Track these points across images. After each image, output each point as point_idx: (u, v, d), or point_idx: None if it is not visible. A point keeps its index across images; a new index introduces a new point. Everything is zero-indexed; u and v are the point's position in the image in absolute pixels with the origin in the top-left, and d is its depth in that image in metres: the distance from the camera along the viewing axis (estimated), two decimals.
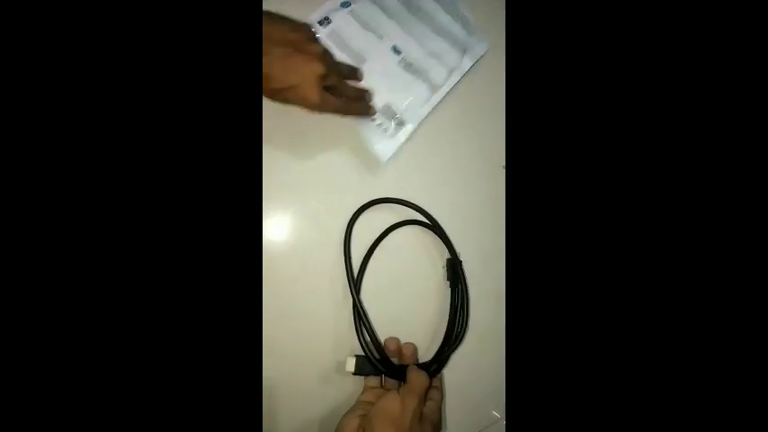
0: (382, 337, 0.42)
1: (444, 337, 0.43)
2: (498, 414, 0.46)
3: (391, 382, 0.41)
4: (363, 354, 0.40)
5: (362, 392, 0.40)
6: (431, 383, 0.39)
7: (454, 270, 0.43)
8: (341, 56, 0.42)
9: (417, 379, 0.38)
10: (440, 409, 0.40)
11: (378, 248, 0.43)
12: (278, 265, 0.41)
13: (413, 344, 0.42)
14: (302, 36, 0.36)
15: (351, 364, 0.40)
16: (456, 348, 0.42)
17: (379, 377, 0.41)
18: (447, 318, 0.43)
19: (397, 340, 0.42)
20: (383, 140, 0.42)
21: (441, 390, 0.41)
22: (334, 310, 0.42)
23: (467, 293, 0.43)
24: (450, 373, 0.44)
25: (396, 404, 0.36)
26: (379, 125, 0.42)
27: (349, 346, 0.41)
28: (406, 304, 0.44)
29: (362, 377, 0.41)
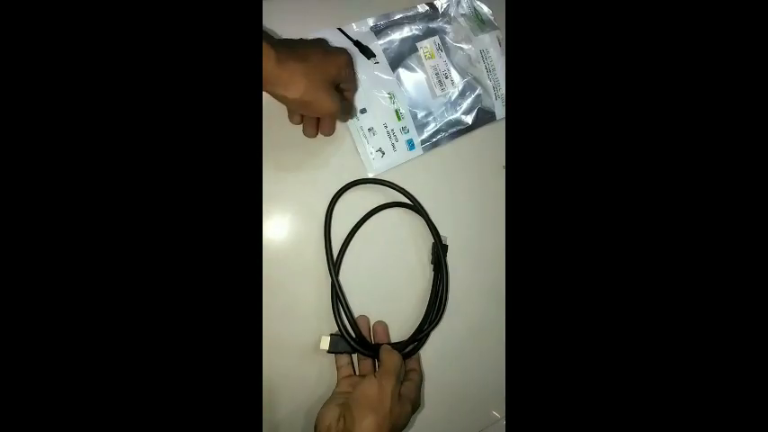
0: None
1: (423, 318, 0.43)
2: (498, 414, 0.46)
3: (365, 366, 0.41)
4: (339, 333, 0.40)
5: (337, 384, 0.40)
6: (406, 364, 0.40)
7: (438, 254, 0.43)
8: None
9: (390, 359, 0.38)
10: (418, 388, 0.40)
11: (365, 231, 0.43)
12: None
13: (383, 323, 0.43)
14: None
15: (325, 343, 0.40)
16: (434, 327, 0.42)
17: (351, 366, 0.41)
18: (428, 300, 0.44)
19: (368, 319, 0.42)
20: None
21: (419, 371, 0.42)
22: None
23: (447, 277, 0.43)
24: (451, 373, 0.44)
25: (373, 388, 0.36)
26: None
27: (333, 329, 0.41)
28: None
29: (337, 363, 0.41)
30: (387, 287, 0.44)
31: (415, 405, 0.39)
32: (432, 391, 0.43)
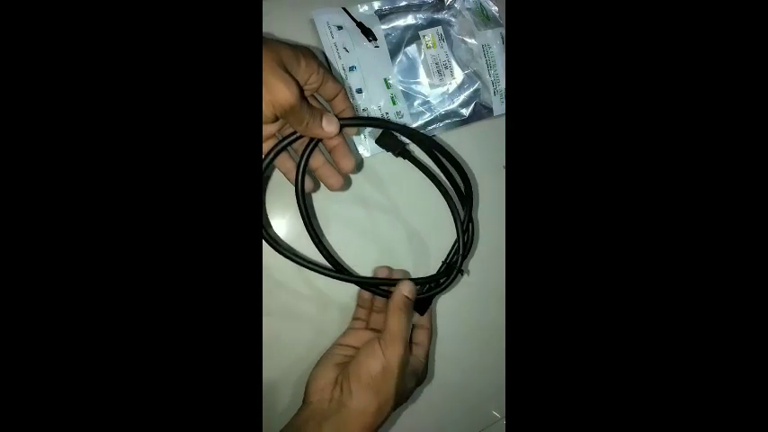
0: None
1: (450, 251, 0.40)
2: (498, 414, 0.46)
3: (378, 322, 0.36)
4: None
5: (342, 334, 0.35)
6: (415, 320, 0.35)
7: (390, 140, 0.40)
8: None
9: (396, 321, 0.32)
10: (427, 355, 0.35)
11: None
12: None
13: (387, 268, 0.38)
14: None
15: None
16: (464, 260, 0.39)
17: (366, 320, 0.37)
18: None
19: (388, 269, 0.39)
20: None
21: (430, 329, 0.37)
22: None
23: (458, 168, 0.40)
24: (451, 373, 0.43)
25: (377, 364, 0.31)
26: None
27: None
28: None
29: (354, 315, 0.37)
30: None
31: (421, 378, 0.35)
32: (432, 391, 0.43)
